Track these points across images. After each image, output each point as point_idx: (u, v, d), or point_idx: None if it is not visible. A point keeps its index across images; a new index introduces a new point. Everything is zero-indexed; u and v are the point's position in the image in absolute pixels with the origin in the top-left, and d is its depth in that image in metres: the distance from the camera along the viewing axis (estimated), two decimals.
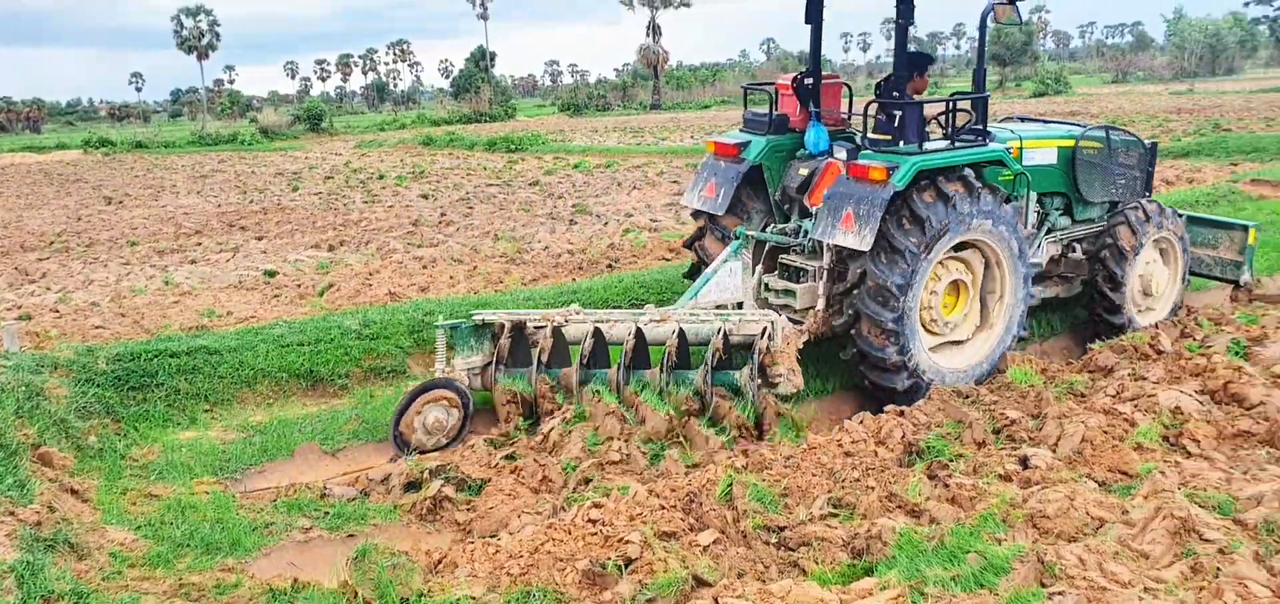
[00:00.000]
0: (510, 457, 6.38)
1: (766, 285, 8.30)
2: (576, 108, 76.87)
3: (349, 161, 36.10)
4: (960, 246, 7.72)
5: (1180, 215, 9.54)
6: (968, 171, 7.53)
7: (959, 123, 7.94)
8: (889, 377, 7.43)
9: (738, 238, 8.36)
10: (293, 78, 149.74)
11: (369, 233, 17.49)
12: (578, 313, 7.64)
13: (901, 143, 7.53)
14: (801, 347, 7.41)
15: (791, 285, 8.09)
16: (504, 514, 5.67)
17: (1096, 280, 9.03)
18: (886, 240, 7.25)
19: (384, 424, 7.20)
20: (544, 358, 7.38)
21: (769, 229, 8.49)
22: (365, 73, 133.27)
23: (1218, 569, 4.31)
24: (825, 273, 7.73)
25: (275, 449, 6.92)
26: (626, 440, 6.35)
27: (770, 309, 7.92)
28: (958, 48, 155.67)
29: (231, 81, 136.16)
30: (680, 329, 7.32)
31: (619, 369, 7.23)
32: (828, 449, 5.95)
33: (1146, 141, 9.92)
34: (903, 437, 6.02)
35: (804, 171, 8.48)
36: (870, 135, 7.78)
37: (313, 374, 8.26)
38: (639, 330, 7.39)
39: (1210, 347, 7.42)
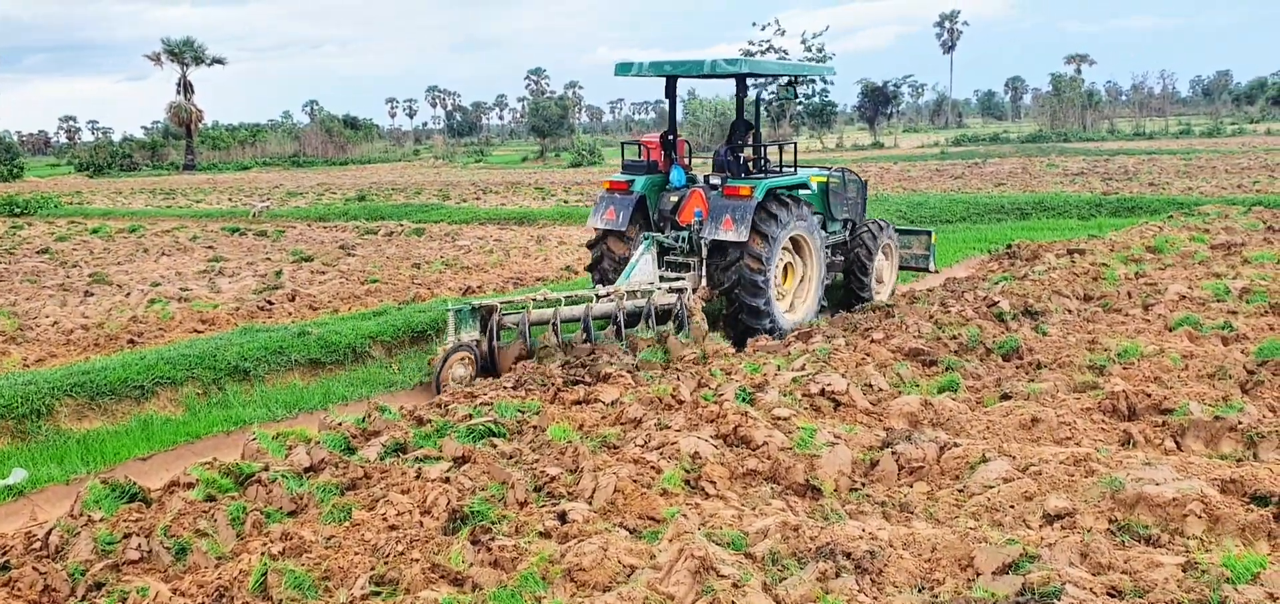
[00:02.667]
0: (3, 568, 5.54)
1: (661, 275, 12.02)
2: (98, 167, 70.24)
3: None
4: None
5: (893, 227, 14.47)
6: (791, 192, 12.06)
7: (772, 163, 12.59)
8: (761, 322, 11.54)
9: (646, 240, 12.04)
10: None
11: None
12: (543, 297, 10.81)
13: (743, 175, 12.15)
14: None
15: (681, 274, 12.10)
16: None
17: (852, 273, 13.76)
18: (757, 233, 11.37)
19: None
20: (526, 330, 10.37)
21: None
22: None
23: (733, 602, 4.69)
24: (703, 262, 11.92)
25: None
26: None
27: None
28: (500, 118, 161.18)
29: None
30: (622, 299, 10.97)
31: (582, 330, 10.66)
32: (371, 525, 5.77)
33: (862, 179, 14.51)
34: (448, 504, 5.98)
35: (673, 199, 12.54)
36: (717, 169, 12.56)
37: None
38: (590, 307, 10.83)
39: (722, 395, 8.14)
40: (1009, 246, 17.89)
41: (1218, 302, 11.71)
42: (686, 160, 13.23)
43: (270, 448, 7.47)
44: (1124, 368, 8.96)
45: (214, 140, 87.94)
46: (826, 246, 12.97)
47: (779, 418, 7.56)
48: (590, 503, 6.08)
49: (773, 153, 12.72)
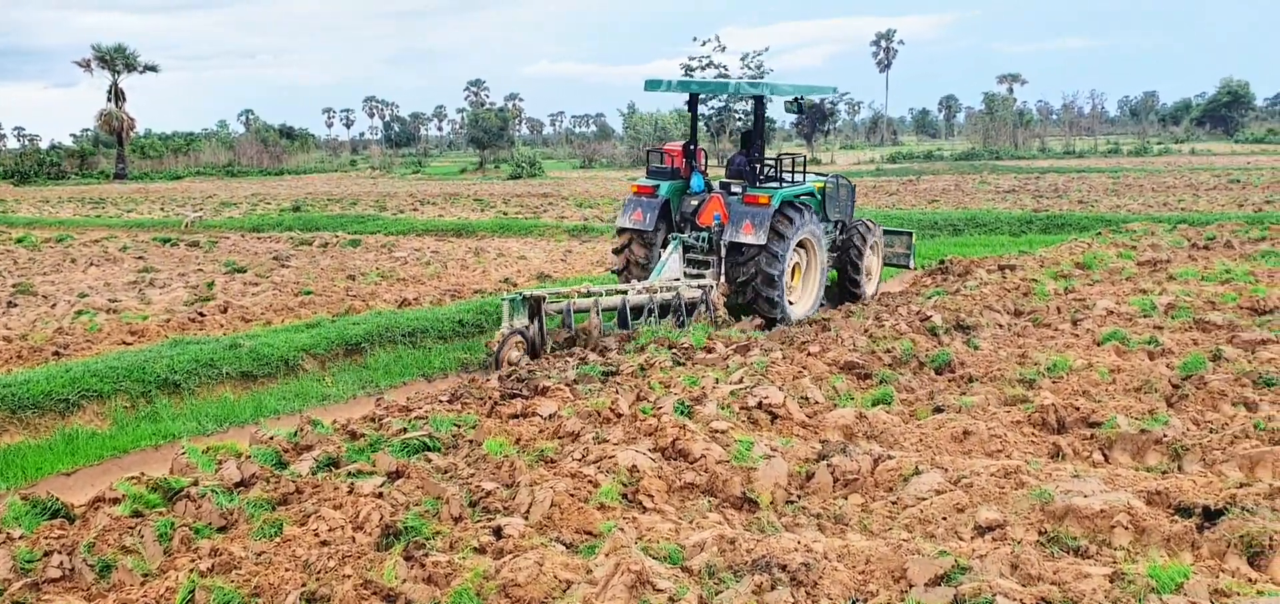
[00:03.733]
0: None
1: (685, 272, 13.39)
2: (24, 175, 68.41)
3: None
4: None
5: (880, 227, 16.10)
6: (800, 199, 13.87)
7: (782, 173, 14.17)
8: (774, 313, 13.15)
9: (674, 241, 13.51)
10: None
11: None
12: (586, 290, 12.16)
13: (756, 184, 13.81)
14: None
15: (702, 271, 13.43)
16: None
17: (846, 268, 15.37)
18: (775, 237, 13.00)
19: None
20: (569, 317, 11.61)
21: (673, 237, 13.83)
22: None
23: None
24: (721, 261, 13.22)
25: None
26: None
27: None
28: (438, 129, 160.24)
29: None
30: (655, 292, 12.46)
31: (618, 317, 12.00)
32: (303, 540, 5.68)
33: (851, 184, 15.95)
34: (381, 519, 5.90)
35: (694, 202, 13.96)
36: (729, 179, 14.38)
37: None
38: (627, 298, 12.17)
39: (660, 408, 8.15)
40: (942, 262, 18.16)
41: (1144, 317, 11.98)
42: (704, 167, 14.80)
43: (200, 462, 7.31)
44: (1053, 382, 9.13)
45: (146, 149, 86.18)
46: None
47: (717, 431, 7.58)
48: (526, 517, 6.04)
49: (782, 163, 14.55)
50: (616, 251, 14.40)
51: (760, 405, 8.30)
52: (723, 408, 8.22)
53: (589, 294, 12.05)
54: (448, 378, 11.17)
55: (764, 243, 12.95)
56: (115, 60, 74.17)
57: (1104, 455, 7.33)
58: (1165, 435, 7.32)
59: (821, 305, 14.37)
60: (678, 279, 12.97)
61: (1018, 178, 45.31)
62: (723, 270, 13.33)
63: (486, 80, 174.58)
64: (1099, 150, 78.43)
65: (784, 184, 13.88)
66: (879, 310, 13.09)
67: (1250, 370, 9.12)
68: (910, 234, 17.18)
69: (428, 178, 66.79)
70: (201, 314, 14.56)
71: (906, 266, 17.24)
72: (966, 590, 4.71)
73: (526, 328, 11.27)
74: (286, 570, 5.34)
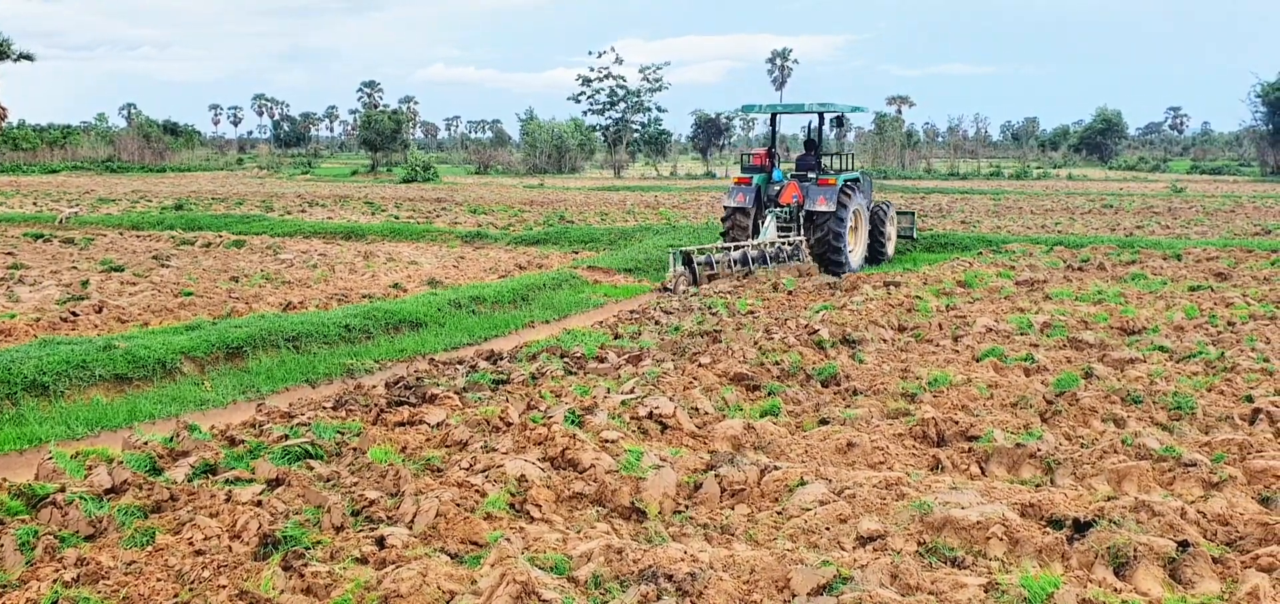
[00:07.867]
0: None
1: (777, 234, 19.61)
2: None
3: None
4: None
5: (894, 207, 23.22)
6: (854, 182, 20.37)
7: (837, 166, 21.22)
8: (838, 258, 19.51)
9: (770, 213, 19.83)
10: None
11: None
12: (720, 245, 18.69)
13: (819, 173, 20.45)
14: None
15: (786, 234, 19.59)
16: None
17: (875, 234, 21.49)
18: (840, 207, 19.43)
19: None
20: (713, 264, 17.71)
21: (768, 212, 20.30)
22: None
23: None
24: (801, 226, 19.71)
25: None
26: None
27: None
28: (330, 129, 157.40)
29: None
30: (763, 248, 18.72)
31: (744, 261, 18.15)
32: (176, 549, 5.48)
33: (871, 177, 23.99)
34: (259, 528, 5.73)
35: (776, 188, 20.33)
36: (800, 172, 20.82)
37: None
38: (746, 250, 18.48)
39: (551, 417, 8.10)
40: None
41: (1021, 335, 12.38)
42: (780, 164, 21.75)
43: (68, 468, 7.02)
44: (934, 396, 9.36)
45: (18, 141, 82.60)
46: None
47: (607, 440, 7.57)
48: (411, 527, 5.94)
49: (837, 162, 21.14)
50: (725, 220, 20.69)
51: (651, 415, 8.32)
52: (613, 417, 8.22)
53: (722, 248, 18.21)
54: (333, 384, 10.92)
55: (834, 209, 19.25)
56: None
57: (981, 468, 7.55)
58: (1039, 449, 7.57)
59: (866, 259, 20.95)
60: (775, 240, 19.00)
61: (904, 197, 46.40)
62: (801, 233, 19.44)
63: (381, 82, 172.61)
64: (982, 172, 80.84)
65: (846, 173, 20.35)
66: (769, 323, 13.26)
67: (1119, 388, 9.50)
68: (913, 214, 24.37)
69: (318, 179, 65.47)
70: (74, 313, 13.98)
71: (912, 238, 23.86)
72: (848, 600, 4.79)
73: (683, 268, 17.04)
74: (158, 581, 5.15)
